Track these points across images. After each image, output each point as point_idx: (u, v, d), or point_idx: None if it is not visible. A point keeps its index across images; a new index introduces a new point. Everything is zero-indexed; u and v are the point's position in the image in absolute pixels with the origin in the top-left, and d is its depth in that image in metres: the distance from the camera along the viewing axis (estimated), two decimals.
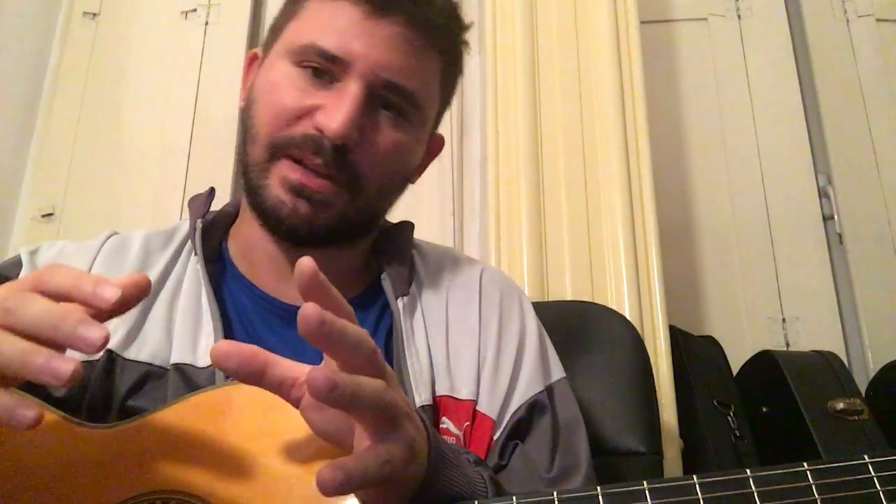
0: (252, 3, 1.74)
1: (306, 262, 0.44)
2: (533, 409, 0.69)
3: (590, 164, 1.35)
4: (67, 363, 0.41)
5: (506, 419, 0.68)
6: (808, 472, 0.45)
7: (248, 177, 0.68)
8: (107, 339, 0.42)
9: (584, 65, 1.42)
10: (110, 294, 0.44)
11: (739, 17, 1.73)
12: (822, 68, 1.67)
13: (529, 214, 1.32)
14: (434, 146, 0.78)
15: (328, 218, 0.66)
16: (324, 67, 0.65)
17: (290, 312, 0.69)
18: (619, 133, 1.36)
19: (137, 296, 0.46)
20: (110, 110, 1.67)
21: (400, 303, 0.71)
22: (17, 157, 1.62)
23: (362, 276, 0.76)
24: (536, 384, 0.71)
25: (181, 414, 0.54)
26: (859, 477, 0.45)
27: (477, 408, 0.68)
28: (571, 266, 1.30)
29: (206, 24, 1.72)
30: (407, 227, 0.80)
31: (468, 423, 0.66)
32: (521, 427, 0.68)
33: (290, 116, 0.65)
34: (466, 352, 0.70)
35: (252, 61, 0.75)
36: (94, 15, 1.75)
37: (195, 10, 1.74)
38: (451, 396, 0.67)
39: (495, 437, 0.67)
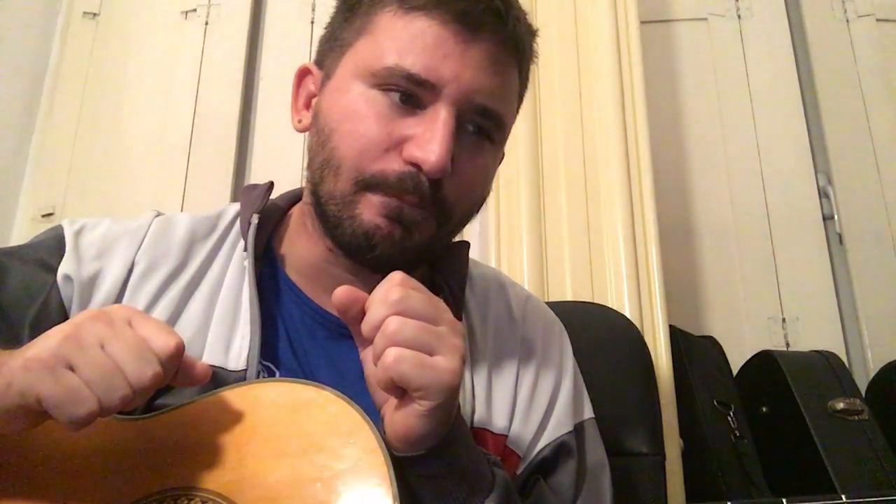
0: (252, 3, 1.74)
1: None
2: (560, 450, 0.68)
3: (590, 164, 1.35)
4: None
5: (531, 456, 0.68)
6: None
7: (325, 208, 0.63)
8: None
9: (584, 65, 1.42)
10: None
11: (739, 17, 1.73)
12: (822, 68, 1.67)
13: (529, 214, 1.32)
14: (499, 162, 0.74)
15: (419, 242, 0.62)
16: (410, 92, 0.60)
17: (337, 326, 0.65)
18: (619, 133, 1.35)
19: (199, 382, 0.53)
20: (110, 110, 1.67)
21: None
22: (17, 157, 1.62)
23: None
24: (566, 424, 0.70)
25: (211, 409, 0.54)
26: None
27: (507, 443, 0.67)
28: (571, 266, 1.30)
29: (206, 24, 1.72)
30: (464, 247, 0.76)
31: (500, 457, 0.65)
32: (546, 466, 0.68)
33: (378, 149, 0.60)
34: (504, 385, 0.69)
35: (303, 76, 0.70)
36: (94, 15, 1.75)
37: (195, 10, 1.74)
38: (487, 430, 0.66)
39: (518, 472, 0.67)
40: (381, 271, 0.60)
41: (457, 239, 0.73)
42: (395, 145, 0.60)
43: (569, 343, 0.77)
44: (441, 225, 0.63)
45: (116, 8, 1.76)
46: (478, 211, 0.69)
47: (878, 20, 1.70)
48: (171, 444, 0.53)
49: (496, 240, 1.33)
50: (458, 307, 0.70)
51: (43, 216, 1.59)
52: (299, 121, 0.69)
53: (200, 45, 1.70)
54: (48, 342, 0.47)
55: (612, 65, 1.39)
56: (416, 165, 0.59)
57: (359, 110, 0.61)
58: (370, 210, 0.60)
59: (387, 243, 0.61)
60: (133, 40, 1.73)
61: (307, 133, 0.68)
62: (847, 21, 1.70)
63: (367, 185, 0.60)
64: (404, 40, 0.60)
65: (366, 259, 0.62)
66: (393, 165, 0.59)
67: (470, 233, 1.54)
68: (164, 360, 0.48)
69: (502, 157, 0.74)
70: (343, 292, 0.53)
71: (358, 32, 0.64)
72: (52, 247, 0.65)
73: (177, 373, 0.51)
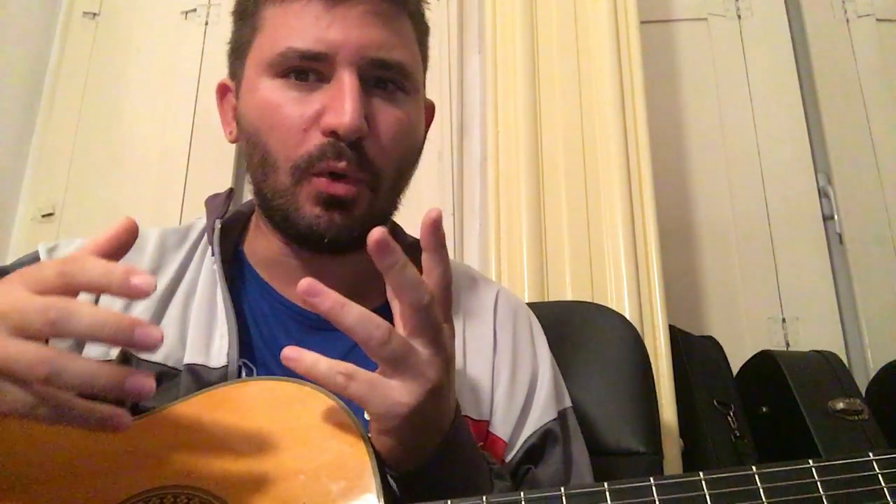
0: None
1: (378, 232, 0.49)
2: (546, 437, 0.70)
3: (590, 164, 1.35)
4: (150, 380, 0.45)
5: (518, 443, 0.69)
6: (814, 469, 0.45)
7: (272, 203, 0.66)
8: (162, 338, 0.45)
9: (584, 65, 1.42)
10: (147, 285, 0.45)
11: (739, 17, 1.73)
12: (822, 68, 1.66)
13: (529, 214, 1.32)
14: (429, 112, 0.77)
15: (360, 213, 0.64)
16: (308, 68, 0.64)
17: (308, 318, 0.68)
18: (619, 133, 1.35)
19: (129, 240, 0.50)
20: (110, 110, 1.67)
21: None
22: (17, 157, 1.62)
23: (384, 289, 0.75)
24: (550, 411, 0.71)
25: (195, 409, 0.55)
26: (864, 474, 0.45)
27: (489, 429, 0.68)
28: (571, 266, 1.30)
29: (206, 24, 1.73)
30: None
31: (481, 443, 0.67)
32: (534, 453, 0.69)
33: (299, 131, 0.63)
34: (480, 374, 0.71)
35: (224, 93, 0.73)
36: (94, 15, 1.75)
37: (195, 10, 1.74)
38: (467, 416, 0.67)
39: (507, 460, 0.68)
40: (337, 254, 0.66)
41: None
42: (311, 123, 0.63)
43: (541, 331, 0.79)
44: (374, 189, 0.65)
45: (116, 8, 1.76)
46: (413, 165, 0.71)
47: (878, 20, 1.70)
48: (158, 445, 0.53)
49: (496, 240, 1.33)
50: None
51: (43, 216, 1.59)
52: (230, 132, 0.71)
53: (200, 45, 1.70)
54: None
55: (612, 65, 1.39)
56: (334, 134, 0.62)
57: (271, 102, 0.64)
58: (308, 202, 0.63)
59: (332, 229, 0.63)
60: (133, 40, 1.73)
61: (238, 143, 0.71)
62: (847, 21, 1.70)
63: (301, 170, 0.63)
64: (289, 25, 0.64)
65: (320, 247, 0.65)
66: (314, 142, 0.63)
67: (470, 232, 1.54)
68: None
69: (433, 109, 0.77)
70: (305, 287, 0.51)
71: (251, 33, 0.68)
72: (28, 265, 0.67)
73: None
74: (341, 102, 0.61)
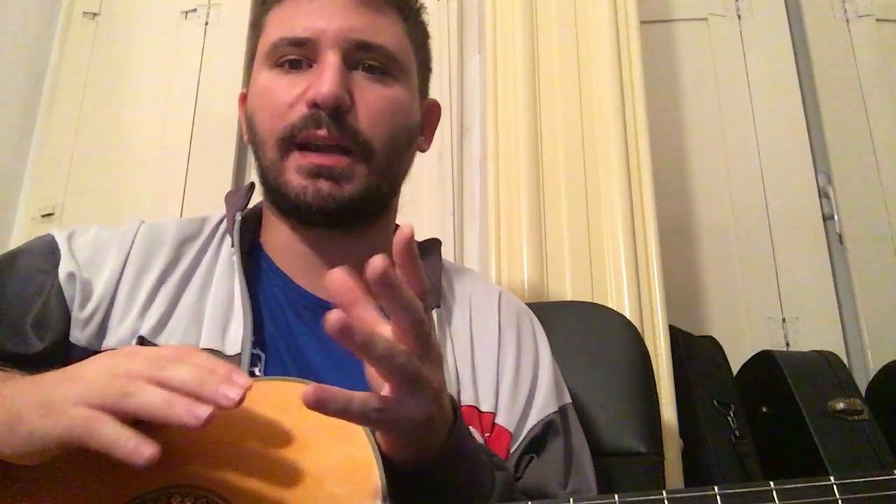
0: (252, 3, 1.74)
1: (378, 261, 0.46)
2: (548, 428, 0.72)
3: (590, 164, 1.35)
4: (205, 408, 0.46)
5: (523, 434, 0.71)
6: (835, 487, 0.44)
7: (267, 180, 0.71)
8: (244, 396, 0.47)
9: (584, 65, 1.42)
10: (235, 394, 0.47)
11: (739, 17, 1.73)
12: (822, 68, 1.66)
13: (529, 214, 1.32)
14: (433, 111, 0.82)
15: (353, 189, 0.67)
16: (298, 55, 0.69)
17: (321, 306, 0.70)
18: (619, 133, 1.35)
19: None
20: (110, 110, 1.67)
21: (434, 313, 0.73)
22: (17, 157, 1.62)
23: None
24: (552, 404, 0.74)
25: None
26: (887, 493, 0.44)
27: (496, 420, 0.70)
28: (571, 266, 1.30)
29: (206, 24, 1.72)
30: (436, 243, 0.82)
31: (488, 434, 0.69)
32: (537, 443, 0.71)
33: (284, 107, 0.68)
34: (486, 368, 0.73)
35: (243, 100, 0.79)
36: (94, 15, 1.75)
37: (195, 10, 1.74)
38: (474, 407, 0.69)
39: (512, 450, 0.69)
40: (333, 227, 0.69)
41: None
42: (297, 100, 0.68)
43: (543, 332, 0.81)
44: (368, 160, 0.68)
45: (116, 8, 1.76)
46: (407, 147, 0.74)
47: (878, 20, 1.70)
48: (167, 444, 0.53)
49: (496, 240, 1.32)
50: (437, 294, 0.74)
51: (43, 216, 1.59)
52: (245, 133, 0.76)
53: (200, 45, 1.70)
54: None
55: (612, 65, 1.39)
56: (315, 105, 0.66)
57: (265, 87, 0.70)
58: (294, 174, 0.67)
59: (319, 198, 0.66)
60: (133, 40, 1.73)
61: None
62: (847, 21, 1.70)
63: (285, 142, 0.67)
64: (282, 20, 0.71)
65: (313, 219, 0.69)
66: (297, 114, 0.67)
67: (470, 232, 1.54)
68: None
69: (438, 109, 0.81)
70: (334, 281, 0.51)
71: (257, 38, 0.75)
72: (45, 251, 0.68)
73: None
74: (322, 77, 0.66)
